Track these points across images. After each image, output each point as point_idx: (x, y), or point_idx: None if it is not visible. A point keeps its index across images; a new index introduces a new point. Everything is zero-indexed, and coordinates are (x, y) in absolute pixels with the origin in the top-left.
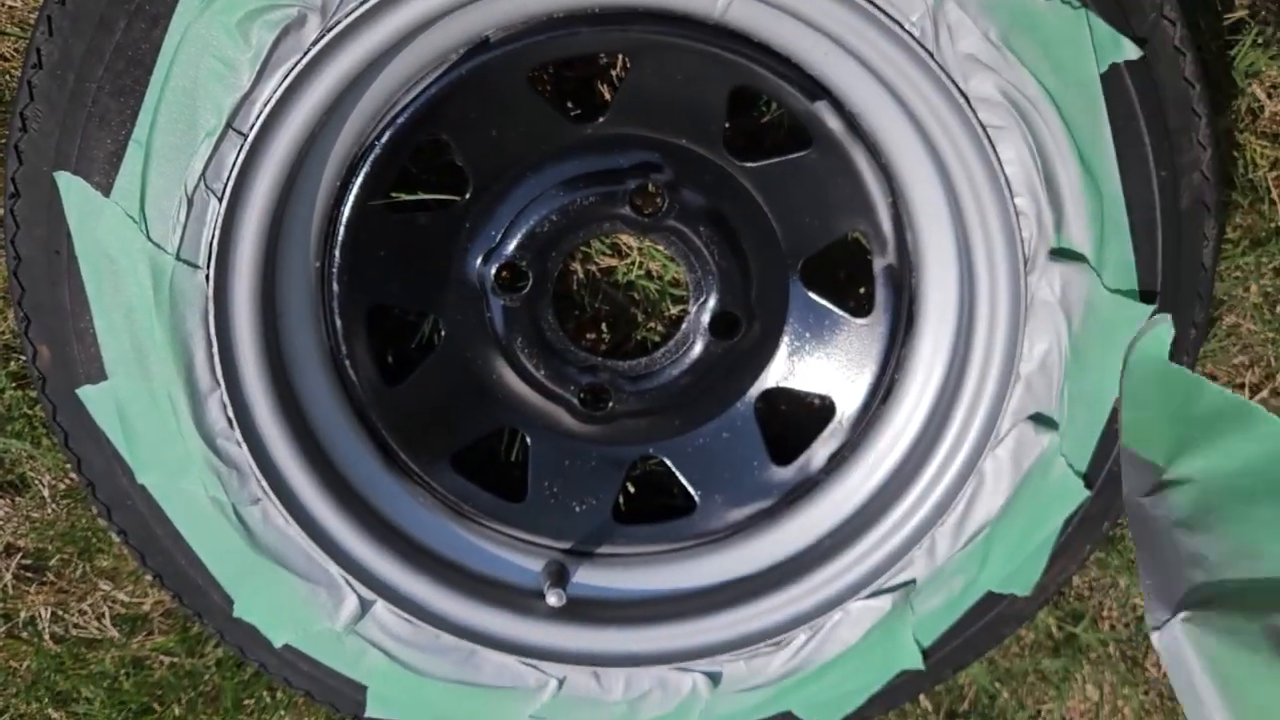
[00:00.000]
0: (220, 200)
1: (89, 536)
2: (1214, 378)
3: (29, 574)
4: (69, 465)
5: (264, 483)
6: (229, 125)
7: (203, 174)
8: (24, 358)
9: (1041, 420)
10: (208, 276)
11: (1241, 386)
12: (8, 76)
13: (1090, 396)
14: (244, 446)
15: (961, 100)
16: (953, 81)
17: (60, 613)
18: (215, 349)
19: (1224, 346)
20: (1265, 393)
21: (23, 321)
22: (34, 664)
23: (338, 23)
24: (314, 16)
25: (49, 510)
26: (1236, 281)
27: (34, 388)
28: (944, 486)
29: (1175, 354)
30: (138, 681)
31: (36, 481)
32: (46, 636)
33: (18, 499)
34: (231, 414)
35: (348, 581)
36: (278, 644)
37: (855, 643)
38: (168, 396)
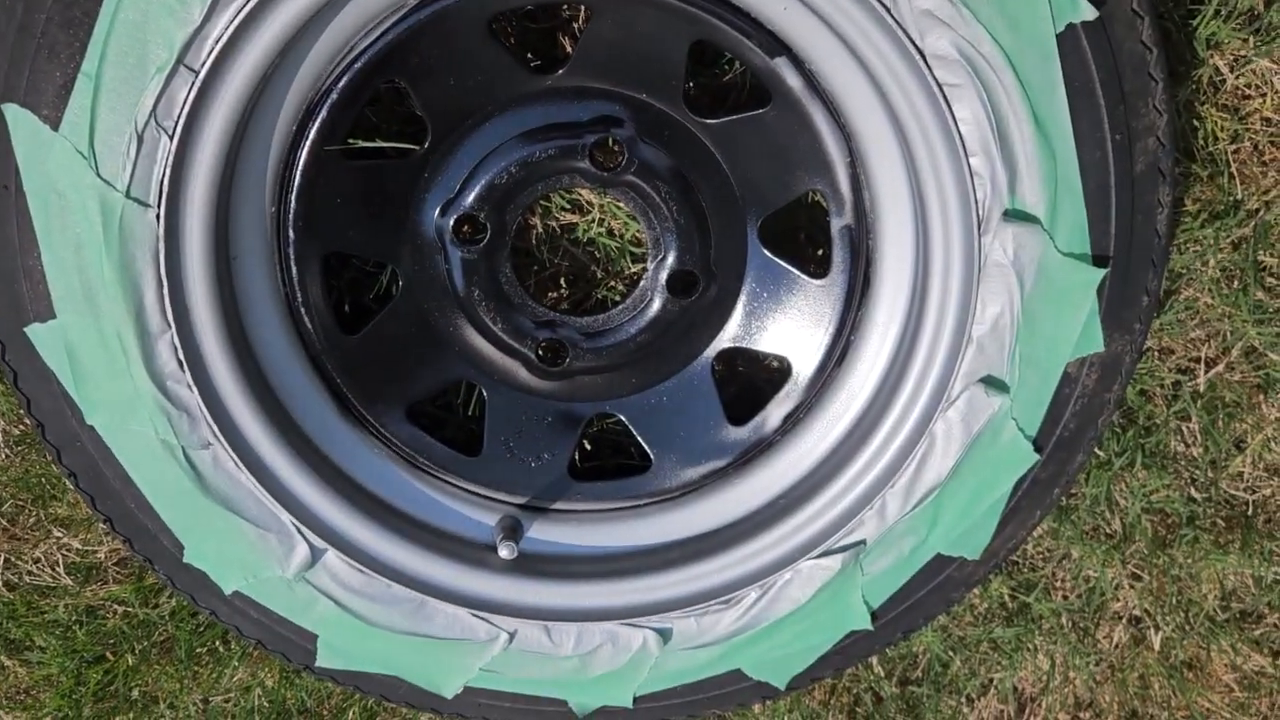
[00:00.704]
0: (171, 138)
1: (43, 483)
2: (1170, 351)
3: None
4: (21, 409)
5: (214, 427)
6: (180, 60)
7: (153, 110)
8: None
9: (992, 383)
10: (158, 215)
11: (1197, 360)
12: None
13: (1041, 360)
14: (194, 390)
15: (918, 57)
16: (909, 38)
17: (13, 559)
18: (166, 289)
19: (1180, 320)
20: (1220, 367)
21: None
22: None
23: None
24: None
25: (2, 456)
26: (1195, 255)
27: None
28: (895, 448)
29: (1128, 321)
30: (91, 630)
31: None
32: None
33: None
34: (182, 356)
35: (298, 529)
36: (227, 590)
37: (805, 602)
38: (117, 336)
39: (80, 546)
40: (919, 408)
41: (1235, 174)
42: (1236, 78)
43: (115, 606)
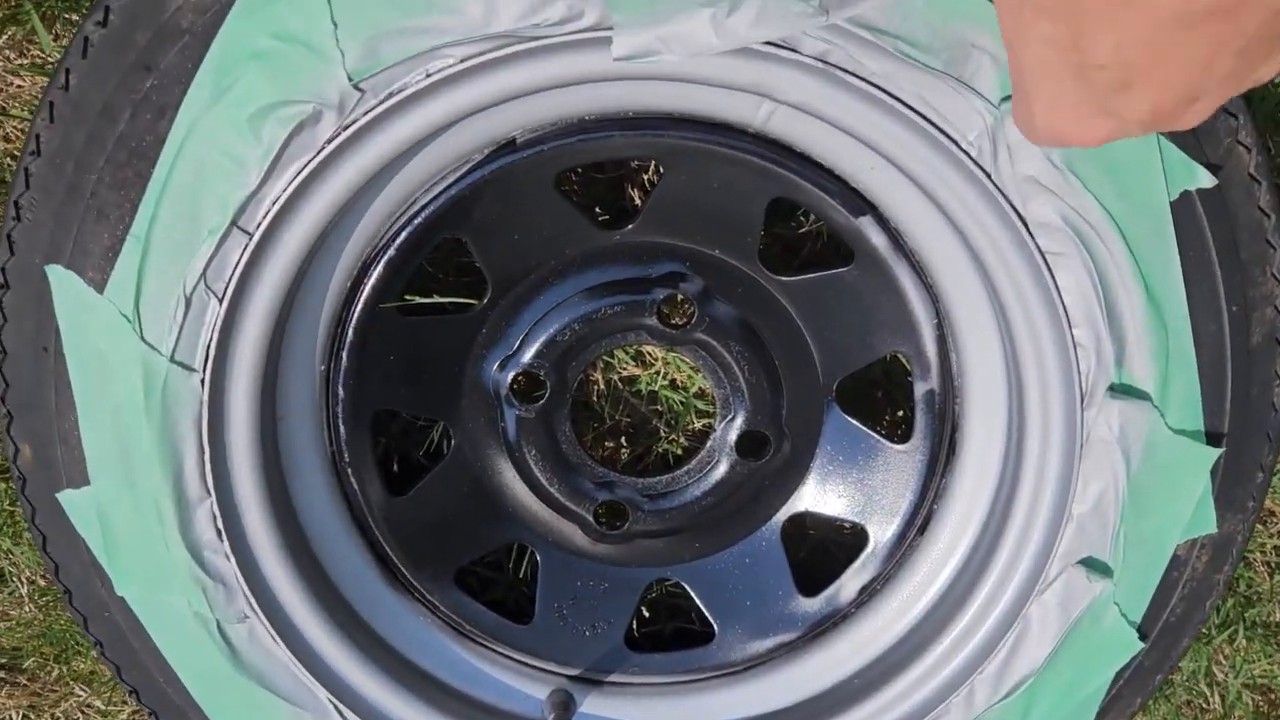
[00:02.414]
0: (221, 301)
1: (66, 638)
2: (1273, 514)
3: (1, 674)
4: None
5: (252, 599)
6: (234, 223)
7: (203, 273)
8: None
9: (1094, 565)
10: (203, 380)
11: None
12: (10, 159)
13: (1148, 542)
14: (232, 560)
15: (1019, 224)
16: (1010, 204)
17: (32, 716)
18: (207, 455)
19: None
20: None
21: (5, 418)
22: None
23: (354, 121)
24: (330, 114)
25: (26, 609)
26: None
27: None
28: (985, 631)
29: (1241, 499)
30: None
31: (15, 578)
32: None
33: None
34: (221, 525)
35: (337, 708)
36: None
37: None
38: (154, 504)
39: (103, 706)
40: (1011, 588)
41: None
42: None
43: None
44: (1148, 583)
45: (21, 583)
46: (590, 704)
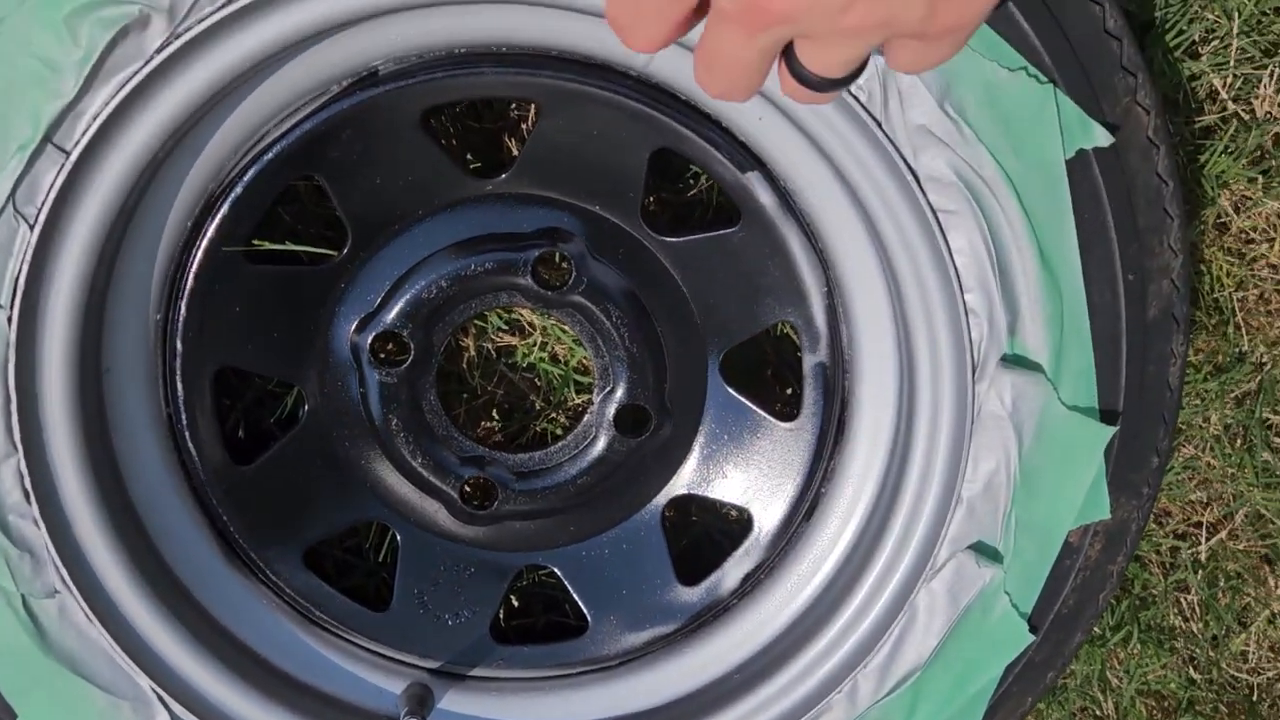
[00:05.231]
0: (32, 227)
1: None
2: (1168, 514)
3: None
4: None
5: (64, 571)
6: (48, 139)
7: (11, 195)
8: None
9: (984, 551)
10: (10, 319)
11: (1198, 526)
12: None
13: (1040, 527)
14: (42, 526)
15: (910, 177)
16: (901, 156)
17: None
18: (14, 405)
19: (1180, 480)
20: (1223, 534)
21: None
22: None
23: (188, 28)
24: (159, 19)
25: None
26: (1196, 410)
27: None
28: (870, 621)
29: (1136, 485)
30: None
31: None
32: None
33: None
34: (29, 485)
35: (160, 697)
36: None
37: None
38: None
39: None
40: (898, 576)
41: (1241, 324)
42: (1243, 219)
43: None
44: (1039, 571)
45: None
46: (450, 700)
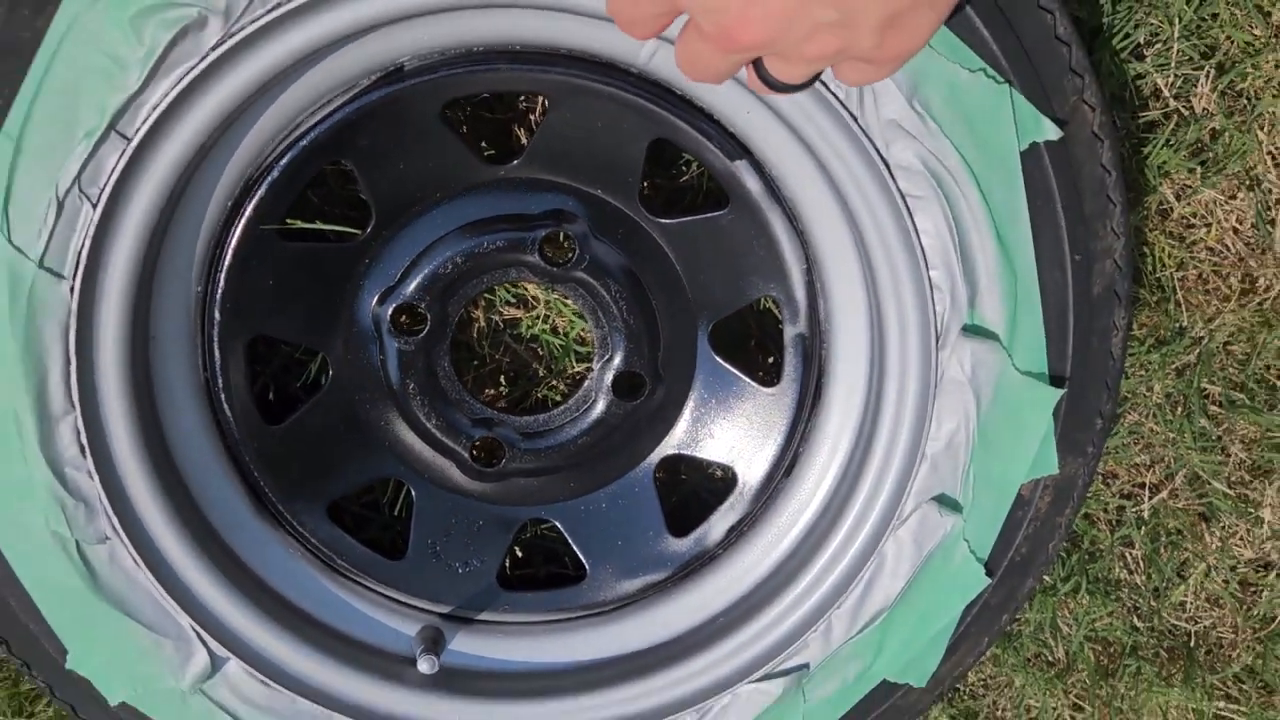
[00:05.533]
0: (95, 207)
1: None
2: (1114, 475)
3: None
4: None
5: (114, 519)
6: (112, 127)
7: (78, 177)
8: None
9: (945, 502)
10: (73, 288)
11: (1141, 486)
12: None
13: (995, 481)
14: (96, 478)
15: (882, 167)
16: (874, 147)
17: None
18: (74, 367)
19: (1125, 444)
20: (1164, 494)
21: None
22: None
23: (241, 29)
24: (215, 20)
25: None
26: (1140, 380)
27: None
28: (843, 567)
29: (1082, 444)
30: None
31: None
32: None
33: None
34: (85, 440)
35: (199, 635)
36: (113, 702)
37: None
38: (13, 416)
39: None
40: (869, 525)
41: (1181, 301)
42: (1184, 206)
43: None
44: (995, 521)
45: None
46: (460, 641)
